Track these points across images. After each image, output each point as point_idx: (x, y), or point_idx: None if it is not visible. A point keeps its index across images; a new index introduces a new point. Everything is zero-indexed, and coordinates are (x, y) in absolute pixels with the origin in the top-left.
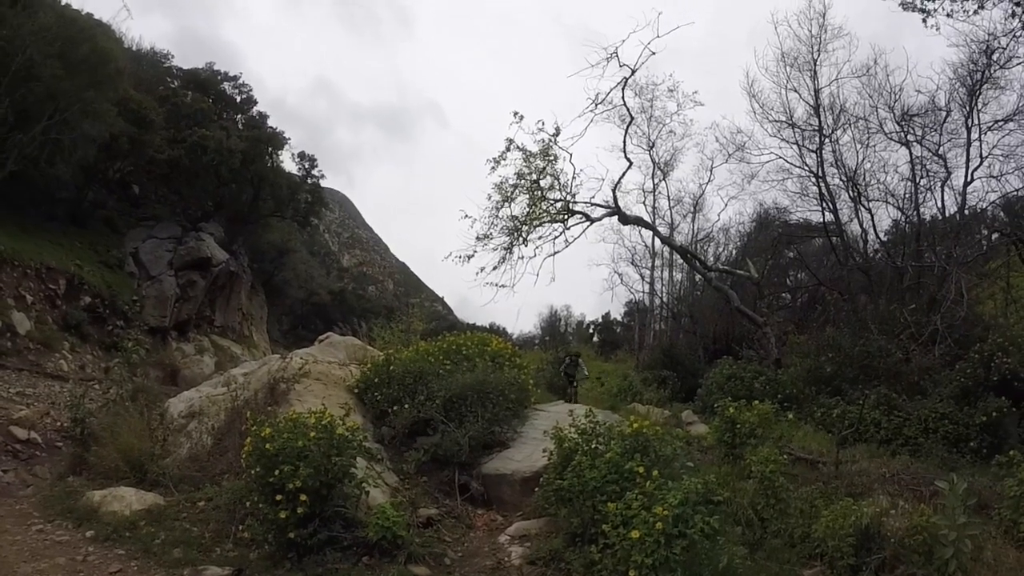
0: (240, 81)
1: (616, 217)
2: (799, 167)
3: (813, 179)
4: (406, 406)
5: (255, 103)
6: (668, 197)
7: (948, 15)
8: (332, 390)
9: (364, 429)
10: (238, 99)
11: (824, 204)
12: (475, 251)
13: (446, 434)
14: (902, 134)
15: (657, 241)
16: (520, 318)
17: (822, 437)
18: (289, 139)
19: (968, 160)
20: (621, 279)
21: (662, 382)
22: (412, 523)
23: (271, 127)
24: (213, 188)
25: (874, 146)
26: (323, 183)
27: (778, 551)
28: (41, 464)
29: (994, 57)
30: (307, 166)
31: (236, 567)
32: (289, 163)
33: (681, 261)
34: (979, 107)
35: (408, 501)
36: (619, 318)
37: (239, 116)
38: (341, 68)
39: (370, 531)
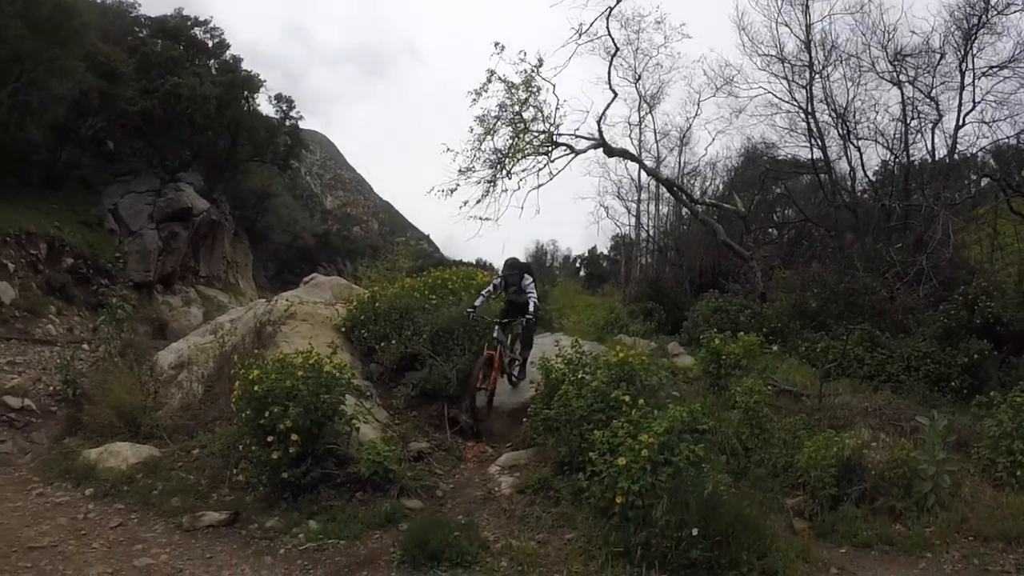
0: (211, 25)
1: (601, 149)
2: (788, 102)
3: (802, 115)
4: (393, 342)
5: (228, 47)
6: (654, 130)
7: None
8: (319, 330)
9: (352, 367)
10: (210, 44)
11: (813, 140)
12: (458, 184)
13: (434, 368)
14: (894, 74)
15: (643, 174)
16: (505, 252)
17: (806, 370)
18: (265, 82)
19: (960, 104)
20: (607, 212)
21: (648, 314)
22: (403, 457)
23: (246, 70)
24: (189, 137)
25: (865, 84)
26: (302, 125)
27: (762, 480)
28: (37, 430)
29: (992, 2)
30: (284, 108)
31: (233, 511)
32: (266, 106)
33: (668, 195)
34: (974, 52)
35: (398, 436)
36: (605, 252)
37: (212, 61)
38: (313, 10)
39: (362, 467)
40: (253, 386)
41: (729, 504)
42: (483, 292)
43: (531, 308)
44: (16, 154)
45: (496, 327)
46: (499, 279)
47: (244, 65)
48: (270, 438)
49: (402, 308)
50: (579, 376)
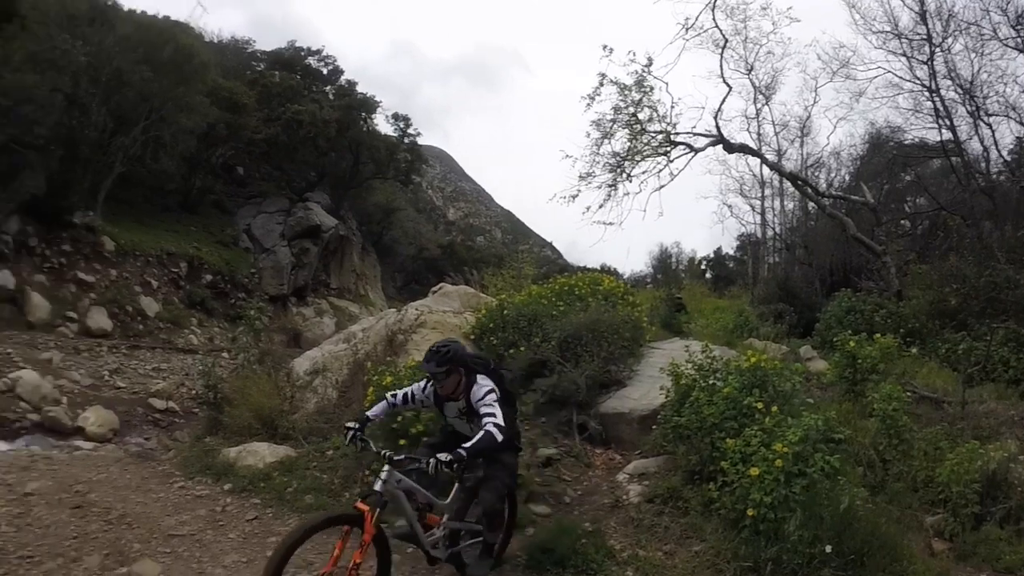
0: (324, 54)
1: (720, 146)
2: (910, 80)
3: (926, 94)
4: (522, 349)
5: (341, 72)
6: (772, 122)
7: None
8: (449, 337)
9: None
10: (324, 71)
11: (940, 121)
12: (579, 190)
13: (563, 375)
14: (1018, 40)
15: (766, 169)
16: (630, 257)
17: (947, 375)
18: (380, 102)
19: None
20: (731, 211)
21: (778, 316)
22: (532, 463)
23: (361, 93)
24: (313, 159)
25: (989, 54)
26: (420, 141)
27: (900, 495)
28: (180, 429)
29: None
30: (402, 126)
31: None
32: (384, 126)
33: (792, 189)
34: None
35: (527, 442)
36: (731, 252)
37: (328, 88)
38: (417, 28)
39: None
40: (387, 392)
41: (865, 520)
42: (389, 396)
43: (492, 437)
44: (153, 184)
45: (386, 465)
46: (425, 381)
47: (359, 88)
48: (402, 441)
49: (530, 315)
50: (710, 382)
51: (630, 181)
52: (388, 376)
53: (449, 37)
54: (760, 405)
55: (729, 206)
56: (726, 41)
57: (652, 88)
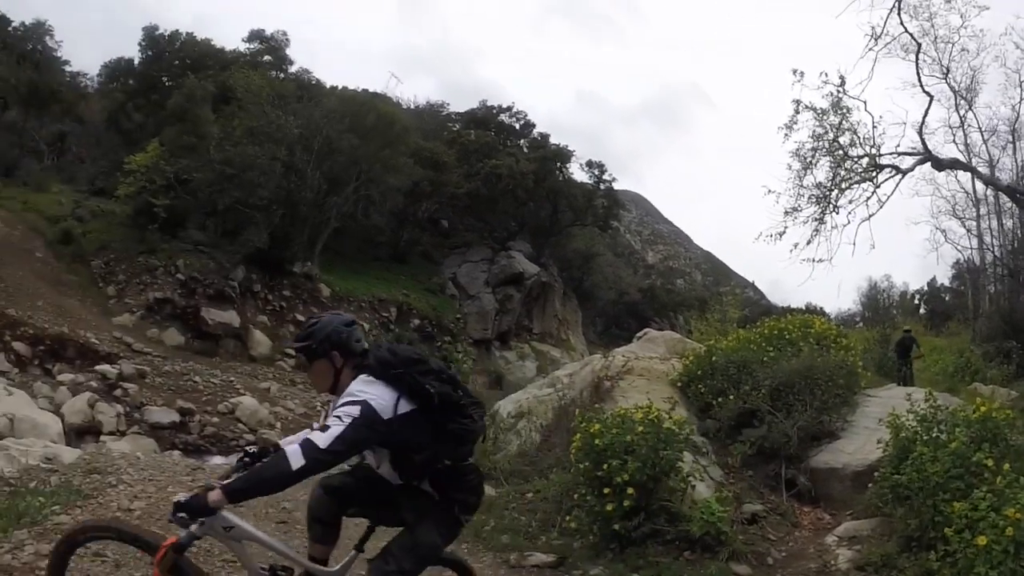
0: (514, 110)
1: (929, 163)
2: None
3: None
4: (731, 397)
5: (533, 126)
6: (980, 129)
7: None
8: (655, 385)
9: (689, 422)
10: (517, 126)
11: None
12: (785, 227)
13: (773, 425)
14: None
15: (979, 184)
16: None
17: None
18: (574, 152)
19: None
20: (944, 236)
21: (1005, 356)
22: (736, 519)
23: (554, 144)
24: (513, 210)
25: None
26: (615, 186)
27: None
28: None
29: None
30: (596, 173)
31: (559, 555)
32: (579, 174)
33: (1011, 204)
34: None
35: (732, 496)
36: (946, 283)
37: (522, 141)
38: (597, 76)
39: (693, 526)
40: (594, 439)
41: None
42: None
43: (281, 466)
44: (364, 237)
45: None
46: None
47: (552, 139)
48: (606, 490)
49: (739, 361)
50: (934, 435)
51: (837, 213)
52: (596, 423)
53: (629, 82)
54: (991, 462)
55: (942, 230)
56: (919, 45)
57: (849, 109)
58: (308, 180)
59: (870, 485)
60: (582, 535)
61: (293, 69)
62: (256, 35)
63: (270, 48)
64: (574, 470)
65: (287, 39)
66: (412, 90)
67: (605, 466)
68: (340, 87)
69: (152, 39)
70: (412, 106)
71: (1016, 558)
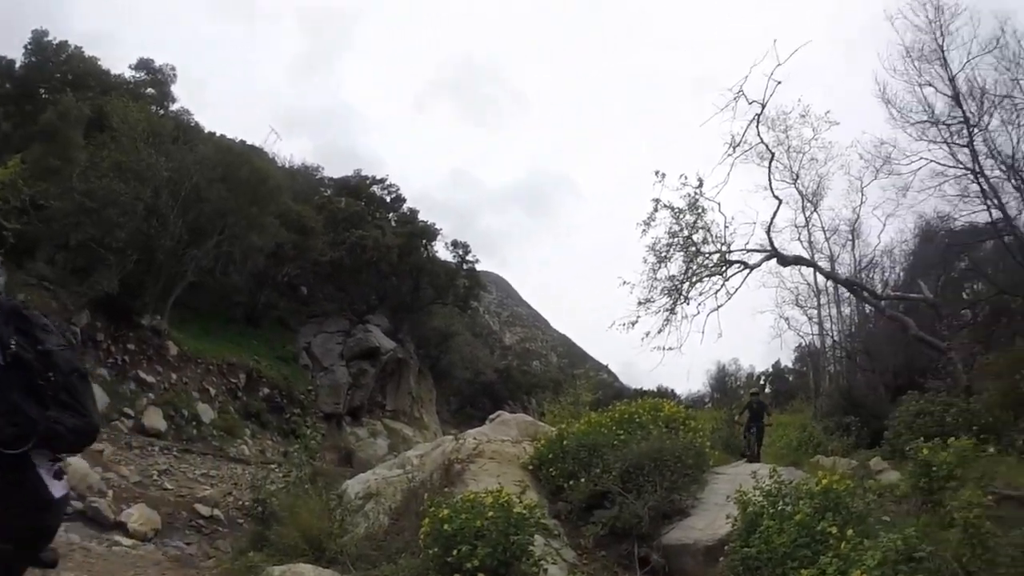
0: (387, 183)
1: (774, 259)
2: (953, 167)
3: (971, 177)
4: (582, 480)
5: (404, 200)
6: (823, 228)
7: None
8: (506, 468)
9: (540, 505)
10: (388, 199)
11: (988, 202)
12: (638, 316)
13: (624, 506)
14: None
15: (820, 277)
16: (690, 378)
17: None
18: (440, 230)
19: None
20: (787, 323)
21: (844, 429)
22: None
23: (422, 221)
24: (375, 283)
25: None
26: (478, 267)
27: None
28: (222, 539)
29: None
30: (461, 253)
31: None
32: (443, 252)
33: (848, 294)
34: None
35: (587, 574)
36: (790, 365)
37: (391, 214)
38: (475, 158)
39: None
40: (443, 524)
41: None
42: None
43: None
44: (220, 295)
45: None
46: None
47: (420, 216)
48: None
49: (590, 445)
50: (779, 508)
51: (687, 303)
52: (445, 508)
53: (503, 166)
54: (834, 530)
55: (786, 318)
56: (772, 155)
57: (705, 209)
58: (170, 227)
59: (721, 559)
60: None
61: (174, 107)
62: (144, 64)
63: (155, 81)
64: (423, 556)
65: (175, 74)
66: (290, 148)
67: (455, 552)
68: (218, 134)
69: (39, 45)
70: (287, 165)
71: None
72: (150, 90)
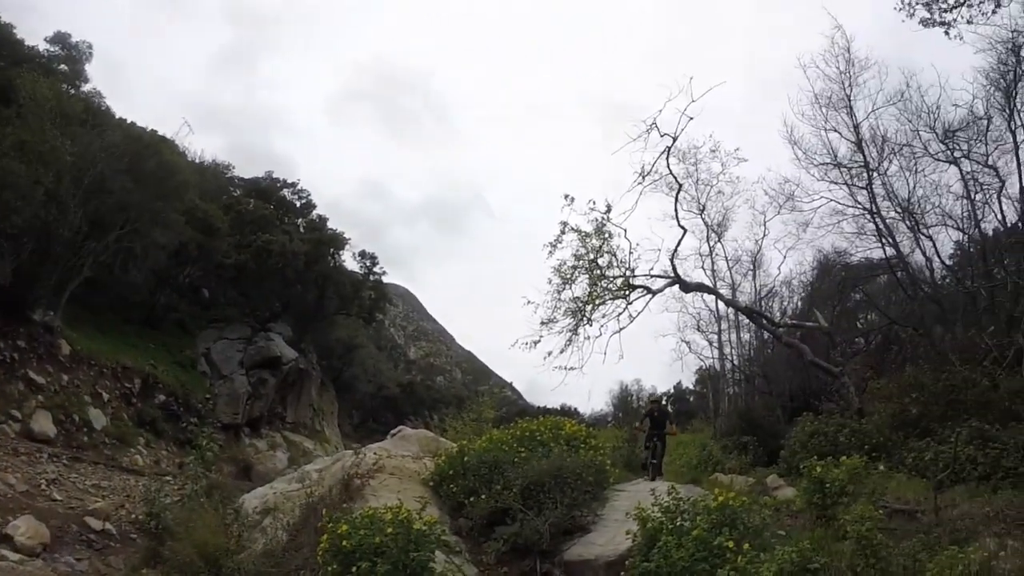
0: (298, 187)
1: (677, 286)
2: (852, 206)
3: (868, 216)
4: (483, 496)
5: (314, 207)
6: (726, 258)
7: (968, 22)
8: (407, 484)
9: (441, 522)
10: (298, 204)
11: (883, 240)
12: (541, 336)
13: (525, 522)
14: (948, 152)
15: (721, 304)
16: (592, 398)
17: (917, 484)
18: (349, 239)
19: (1020, 165)
20: (689, 347)
21: (743, 448)
22: None
23: (331, 229)
24: (280, 289)
25: (923, 170)
26: (385, 279)
27: None
28: (115, 555)
29: (1022, 54)
30: (368, 264)
31: None
32: (351, 262)
33: (748, 321)
34: (1019, 108)
35: None
36: (691, 386)
37: (300, 220)
38: (389, 169)
39: None
40: (342, 540)
41: None
42: None
43: None
44: (118, 294)
45: None
46: None
47: (330, 224)
48: None
49: (491, 462)
50: (678, 524)
51: (590, 325)
52: (344, 524)
53: (417, 181)
54: (731, 544)
55: (687, 342)
56: (680, 185)
57: (611, 234)
58: (69, 216)
59: (621, 574)
60: None
61: (86, 88)
62: (60, 39)
63: (69, 57)
64: (322, 573)
65: (91, 52)
66: (202, 143)
67: (354, 568)
68: (129, 121)
69: None
70: (198, 160)
71: None
72: (63, 67)
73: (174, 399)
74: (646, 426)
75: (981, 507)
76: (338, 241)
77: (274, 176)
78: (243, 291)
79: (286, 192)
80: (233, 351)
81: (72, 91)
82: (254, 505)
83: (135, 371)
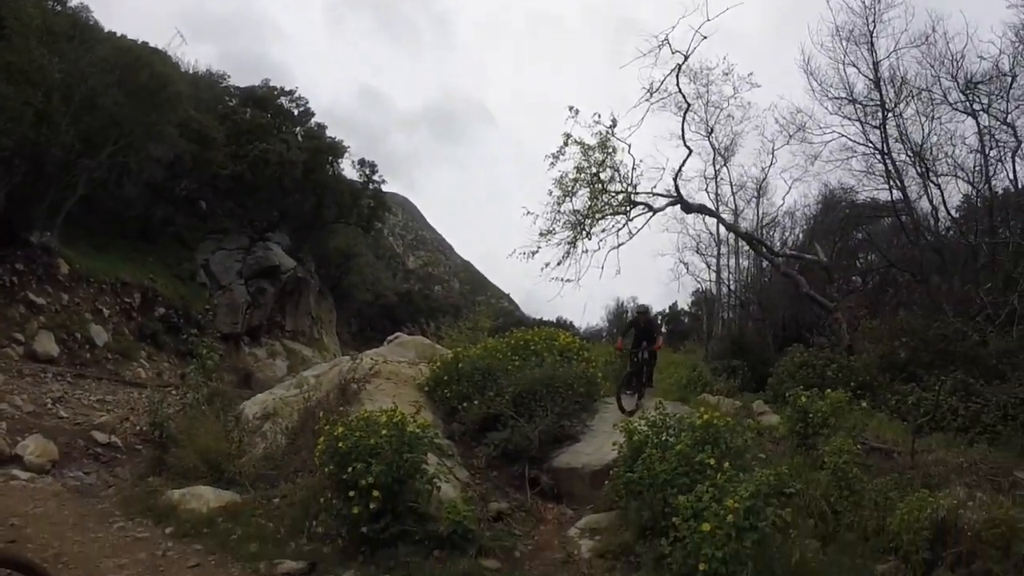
0: (296, 95)
1: (679, 206)
2: (863, 144)
3: (878, 156)
4: (476, 402)
5: (312, 115)
6: (730, 183)
7: None
8: (402, 389)
9: (434, 426)
10: (295, 112)
11: (891, 182)
12: (539, 247)
13: (516, 429)
14: (967, 104)
15: (722, 228)
16: (587, 312)
17: (897, 426)
18: (348, 147)
19: None
20: (687, 268)
21: (732, 372)
22: (482, 517)
23: (330, 137)
24: (277, 199)
25: (939, 118)
26: (384, 188)
27: (851, 545)
28: (121, 466)
29: None
30: (367, 172)
31: (310, 561)
32: (350, 170)
33: (747, 248)
34: None
35: (478, 496)
36: (686, 308)
37: (298, 128)
38: (389, 77)
39: (441, 525)
40: (337, 442)
41: (817, 572)
42: None
43: None
44: (114, 210)
45: None
46: None
47: (328, 132)
48: (351, 493)
49: (485, 369)
50: (663, 439)
51: (589, 239)
52: (340, 426)
53: (417, 89)
54: (712, 461)
55: (685, 264)
56: (688, 105)
57: (615, 149)
58: (61, 135)
59: (607, 482)
60: (331, 539)
61: (73, 2)
62: None
63: None
64: (320, 473)
65: None
66: (195, 53)
67: (350, 469)
68: (119, 34)
69: None
70: (191, 71)
71: (738, 540)
72: None
73: (174, 312)
74: (629, 343)
75: (956, 457)
76: (337, 149)
77: (271, 84)
78: (240, 202)
79: (283, 100)
80: (232, 262)
81: (58, 7)
82: (254, 411)
83: (134, 286)
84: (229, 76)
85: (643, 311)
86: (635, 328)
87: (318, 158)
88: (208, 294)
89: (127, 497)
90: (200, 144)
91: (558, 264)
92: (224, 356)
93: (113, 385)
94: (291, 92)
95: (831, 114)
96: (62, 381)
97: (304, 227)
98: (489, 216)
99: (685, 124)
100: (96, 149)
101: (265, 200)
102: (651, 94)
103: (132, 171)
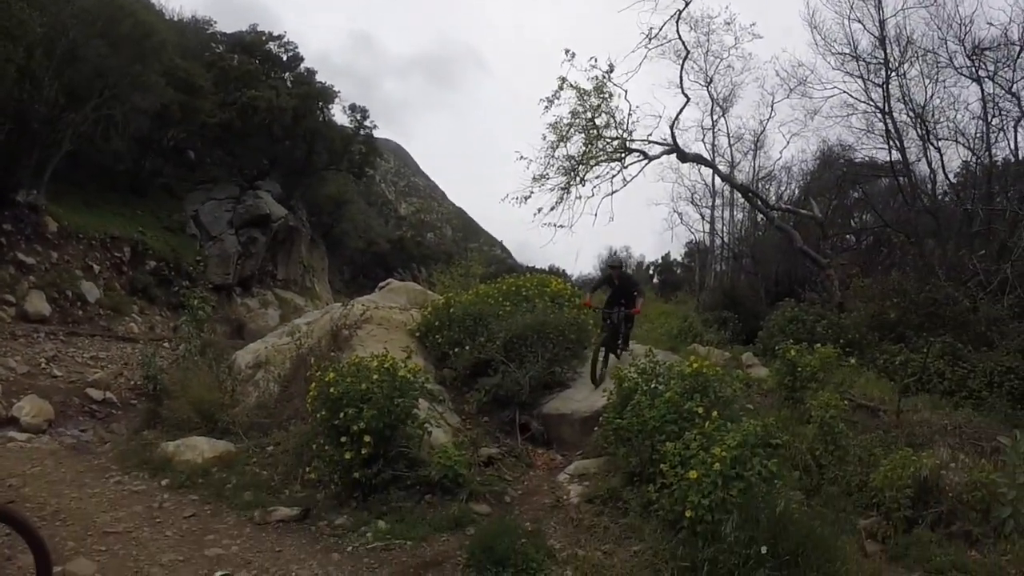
0: (284, 40)
1: (675, 155)
2: (864, 102)
3: (879, 115)
4: (467, 348)
5: (302, 60)
6: (728, 134)
7: None
8: (394, 334)
9: (426, 371)
10: (284, 58)
11: (891, 142)
12: (532, 192)
13: (507, 375)
14: (973, 69)
15: (717, 180)
16: (579, 259)
17: (884, 385)
18: (339, 93)
19: None
20: (681, 219)
21: (723, 324)
22: (473, 462)
23: (320, 82)
24: (267, 147)
25: (943, 81)
26: (376, 134)
27: (835, 498)
28: (117, 421)
29: None
30: (359, 118)
31: (304, 507)
32: (340, 116)
33: (742, 200)
34: None
35: (469, 441)
36: (679, 259)
37: (287, 74)
38: (379, 21)
39: (432, 470)
40: (329, 388)
41: (800, 523)
42: None
43: None
44: (102, 164)
45: None
46: None
47: (318, 77)
48: (343, 439)
49: (476, 314)
50: (652, 386)
51: (583, 185)
52: (331, 372)
53: (409, 33)
54: (701, 410)
55: (679, 214)
56: (688, 53)
57: (611, 95)
58: (44, 91)
59: (596, 429)
60: (324, 486)
61: None
62: None
63: None
64: (312, 420)
65: None
66: (181, 1)
67: (341, 415)
68: None
69: None
70: (176, 18)
71: (724, 488)
72: None
73: (165, 264)
74: (603, 299)
75: (941, 418)
76: (327, 95)
77: (259, 29)
78: (229, 150)
79: (272, 46)
80: (222, 211)
81: None
82: (247, 360)
83: (124, 240)
84: (215, 22)
85: (616, 265)
86: (609, 285)
87: (308, 104)
88: (199, 245)
89: (123, 452)
90: (187, 93)
91: (551, 210)
92: (216, 307)
93: (106, 341)
94: (279, 37)
95: (833, 69)
96: (55, 340)
97: (295, 174)
98: (483, 164)
99: (684, 72)
100: (81, 103)
101: (255, 148)
102: (650, 40)
103: (118, 123)
